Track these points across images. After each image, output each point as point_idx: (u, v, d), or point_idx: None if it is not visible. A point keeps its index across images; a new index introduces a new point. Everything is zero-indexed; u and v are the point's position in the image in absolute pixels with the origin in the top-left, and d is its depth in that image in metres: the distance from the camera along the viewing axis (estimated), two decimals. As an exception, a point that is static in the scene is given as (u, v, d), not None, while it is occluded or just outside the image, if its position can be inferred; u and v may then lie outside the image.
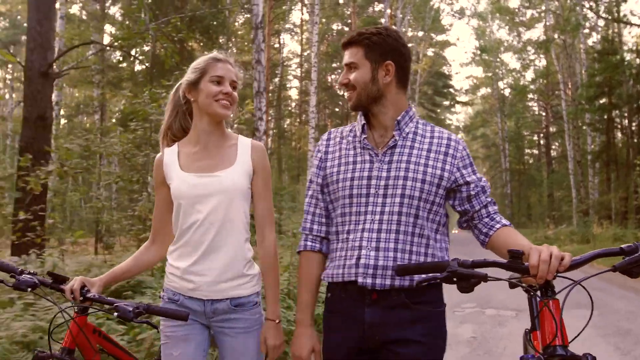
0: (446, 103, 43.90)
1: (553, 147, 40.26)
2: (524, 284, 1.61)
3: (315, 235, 1.94)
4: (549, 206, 32.48)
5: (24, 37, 36.00)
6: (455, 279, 1.46)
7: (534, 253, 1.45)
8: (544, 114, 38.58)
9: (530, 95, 37.12)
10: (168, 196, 2.06)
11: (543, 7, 28.82)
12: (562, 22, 25.86)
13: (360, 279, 1.74)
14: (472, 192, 1.84)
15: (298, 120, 36.51)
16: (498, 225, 1.81)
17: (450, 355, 4.70)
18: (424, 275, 1.61)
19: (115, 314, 1.78)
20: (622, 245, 1.49)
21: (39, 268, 4.84)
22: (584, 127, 25.39)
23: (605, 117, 23.31)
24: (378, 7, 34.29)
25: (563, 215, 28.56)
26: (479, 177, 1.86)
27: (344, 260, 1.80)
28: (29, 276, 1.91)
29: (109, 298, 1.91)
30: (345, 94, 1.89)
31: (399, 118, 1.85)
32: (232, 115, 2.07)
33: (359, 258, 1.76)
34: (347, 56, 1.86)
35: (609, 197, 22.53)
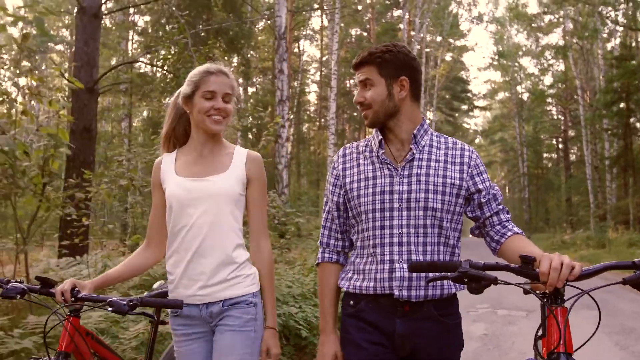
0: (464, 107, 43.97)
1: (572, 151, 40.16)
2: (533, 290, 1.62)
3: (332, 249, 2.01)
4: (567, 211, 32.50)
5: (50, 44, 37.02)
6: (466, 280, 1.50)
7: (545, 260, 1.48)
8: (562, 118, 38.56)
9: (548, 100, 37.17)
10: (164, 200, 2.10)
11: (561, 13, 28.97)
12: (580, 29, 26.08)
13: (396, 292, 1.80)
14: (483, 200, 1.89)
15: (317, 123, 37.03)
16: (510, 233, 1.85)
17: (463, 352, 5.17)
18: (436, 274, 1.67)
19: (110, 309, 1.80)
20: (634, 260, 1.51)
21: (91, 267, 5.40)
22: (602, 132, 25.56)
23: (623, 122, 23.45)
24: (397, 12, 34.64)
25: (580, 220, 28.66)
26: (490, 185, 1.91)
27: (375, 273, 1.84)
28: (17, 284, 1.92)
29: (101, 296, 1.93)
30: (362, 111, 1.92)
31: (415, 132, 1.89)
32: (225, 129, 2.12)
33: (392, 271, 1.81)
34: (361, 75, 1.89)
35: (626, 202, 22.64)
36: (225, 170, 2.06)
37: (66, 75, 5.70)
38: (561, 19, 30.10)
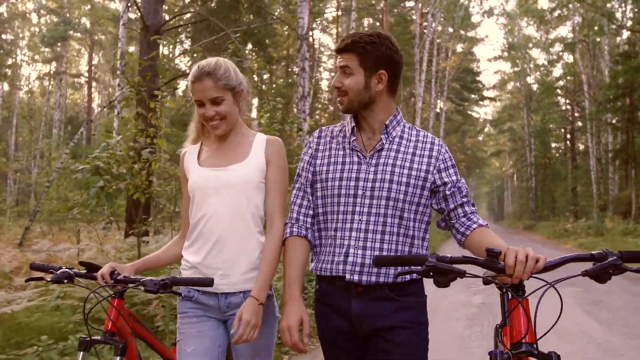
0: (474, 97, 44.68)
1: (581, 141, 40.86)
2: (498, 282, 1.63)
3: (301, 225, 1.99)
4: (572, 200, 33.58)
5: (70, 32, 38.07)
6: (432, 273, 1.50)
7: (511, 253, 1.49)
8: (570, 108, 39.33)
9: (557, 91, 38.03)
10: None
11: (570, 6, 29.75)
12: (587, 26, 27.02)
13: (347, 276, 1.84)
14: (448, 192, 1.89)
15: (328, 111, 38.02)
16: (475, 226, 1.87)
17: (463, 313, 6.54)
18: (406, 268, 1.67)
19: (142, 288, 1.91)
20: (592, 252, 1.53)
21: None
22: (607, 126, 26.64)
23: (626, 117, 24.46)
24: (409, 3, 35.33)
25: (583, 209, 29.81)
26: (457, 179, 1.92)
27: (332, 256, 1.88)
28: (66, 270, 2.06)
29: (136, 277, 2.03)
30: (338, 97, 1.92)
31: (386, 122, 1.91)
32: (228, 127, 2.08)
33: (346, 255, 1.84)
34: (342, 61, 1.89)
35: (626, 193, 23.80)
36: (245, 159, 2.06)
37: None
38: (570, 13, 30.84)
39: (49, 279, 2.06)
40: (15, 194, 26.79)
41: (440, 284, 1.49)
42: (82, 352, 1.94)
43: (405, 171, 1.87)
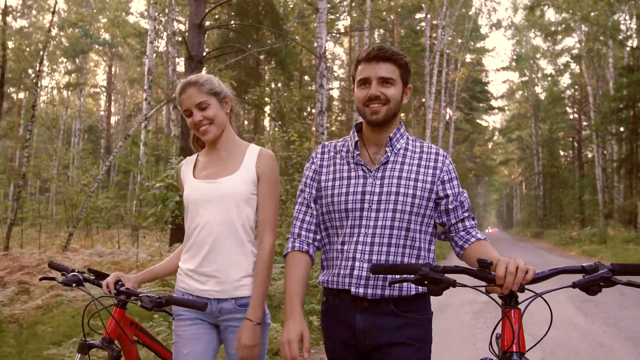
0: (482, 106, 45.35)
1: (589, 149, 41.25)
2: (488, 292, 1.63)
3: (302, 240, 1.99)
4: (579, 209, 34.19)
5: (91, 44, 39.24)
6: (425, 282, 1.54)
7: (502, 264, 1.51)
8: (577, 117, 40.04)
9: (564, 101, 38.80)
10: None
11: (577, 18, 30.57)
12: (592, 39, 27.95)
13: (353, 289, 1.84)
14: (450, 206, 1.90)
15: (339, 118, 38.98)
16: (473, 239, 1.87)
17: (469, 308, 7.55)
18: (397, 276, 1.65)
19: (139, 303, 1.97)
20: (583, 264, 1.54)
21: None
22: (609, 138, 27.53)
23: (630, 128, 25.27)
24: (419, 15, 36.20)
25: (590, 217, 30.61)
26: (459, 192, 1.92)
27: (339, 269, 1.89)
28: (76, 274, 2.15)
29: (137, 290, 2.09)
30: (373, 105, 1.87)
31: (390, 135, 1.93)
32: (218, 131, 2.14)
33: (352, 268, 1.85)
34: (384, 71, 1.87)
35: (629, 202, 24.64)
36: (235, 172, 2.11)
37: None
38: (576, 25, 31.58)
39: (59, 281, 2.17)
40: (44, 202, 28.00)
41: (433, 292, 1.54)
42: (79, 355, 2.02)
43: (412, 183, 1.88)
